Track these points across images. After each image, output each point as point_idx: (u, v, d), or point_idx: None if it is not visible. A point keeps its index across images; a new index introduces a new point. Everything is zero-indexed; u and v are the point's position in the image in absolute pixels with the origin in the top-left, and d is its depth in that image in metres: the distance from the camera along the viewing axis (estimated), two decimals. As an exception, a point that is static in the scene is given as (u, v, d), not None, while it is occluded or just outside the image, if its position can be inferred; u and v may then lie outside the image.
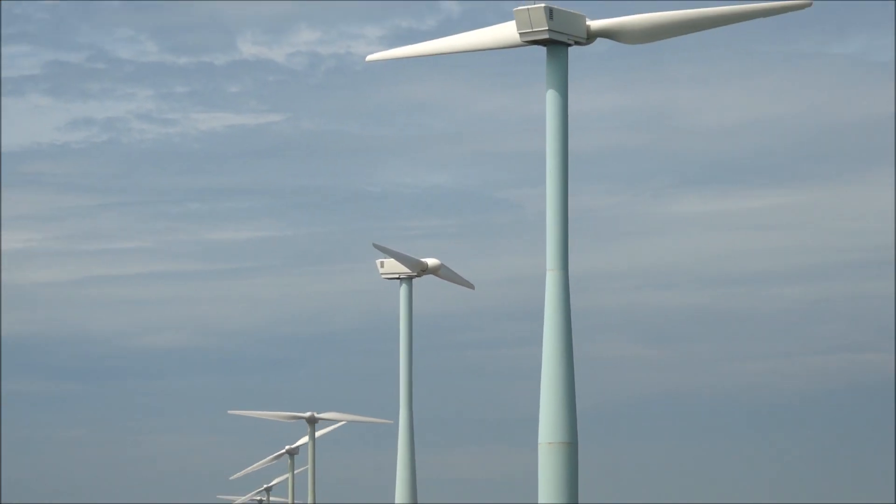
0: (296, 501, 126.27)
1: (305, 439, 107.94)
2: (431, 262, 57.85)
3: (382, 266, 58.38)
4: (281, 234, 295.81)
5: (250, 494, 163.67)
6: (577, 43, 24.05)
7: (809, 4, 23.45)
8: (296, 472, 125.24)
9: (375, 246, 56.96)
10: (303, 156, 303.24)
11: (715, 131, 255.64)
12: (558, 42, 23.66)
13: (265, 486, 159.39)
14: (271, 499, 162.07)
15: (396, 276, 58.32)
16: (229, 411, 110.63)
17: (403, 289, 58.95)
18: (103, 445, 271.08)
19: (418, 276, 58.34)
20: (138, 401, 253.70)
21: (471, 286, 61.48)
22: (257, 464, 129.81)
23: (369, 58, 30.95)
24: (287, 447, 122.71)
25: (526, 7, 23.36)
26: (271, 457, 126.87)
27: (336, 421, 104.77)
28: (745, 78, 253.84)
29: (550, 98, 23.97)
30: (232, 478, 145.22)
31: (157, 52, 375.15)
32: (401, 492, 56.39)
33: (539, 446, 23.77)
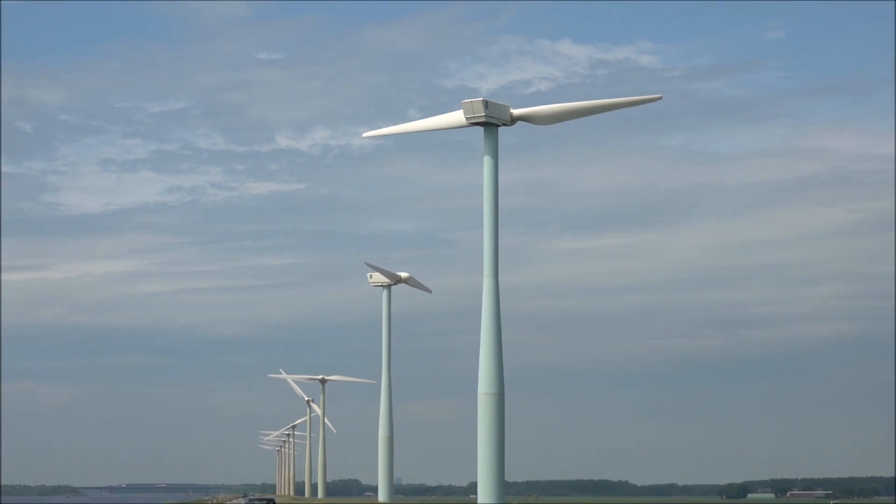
0: (312, 435, 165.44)
1: (319, 394, 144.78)
2: (403, 275, 75.29)
3: (371, 278, 77.15)
4: (304, 261, 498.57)
5: (283, 429, 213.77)
6: (503, 124, 33.20)
7: (660, 98, 33.15)
8: (311, 415, 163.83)
9: (367, 264, 75.81)
10: (318, 210, 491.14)
11: (587, 194, 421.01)
12: (491, 124, 32.86)
13: (291, 424, 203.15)
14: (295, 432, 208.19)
15: (381, 284, 76.35)
16: (269, 375, 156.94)
17: (385, 293, 77.41)
18: (187, 399, 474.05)
19: (395, 284, 76.22)
20: (210, 370, 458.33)
21: (429, 291, 79.69)
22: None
23: (365, 135, 40.69)
24: (307, 398, 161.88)
25: (470, 100, 32.64)
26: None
27: (339, 381, 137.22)
28: (608, 158, 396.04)
29: (486, 163, 33.02)
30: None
31: (223, 144, 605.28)
32: (382, 428, 72.89)
33: (478, 396, 32.91)
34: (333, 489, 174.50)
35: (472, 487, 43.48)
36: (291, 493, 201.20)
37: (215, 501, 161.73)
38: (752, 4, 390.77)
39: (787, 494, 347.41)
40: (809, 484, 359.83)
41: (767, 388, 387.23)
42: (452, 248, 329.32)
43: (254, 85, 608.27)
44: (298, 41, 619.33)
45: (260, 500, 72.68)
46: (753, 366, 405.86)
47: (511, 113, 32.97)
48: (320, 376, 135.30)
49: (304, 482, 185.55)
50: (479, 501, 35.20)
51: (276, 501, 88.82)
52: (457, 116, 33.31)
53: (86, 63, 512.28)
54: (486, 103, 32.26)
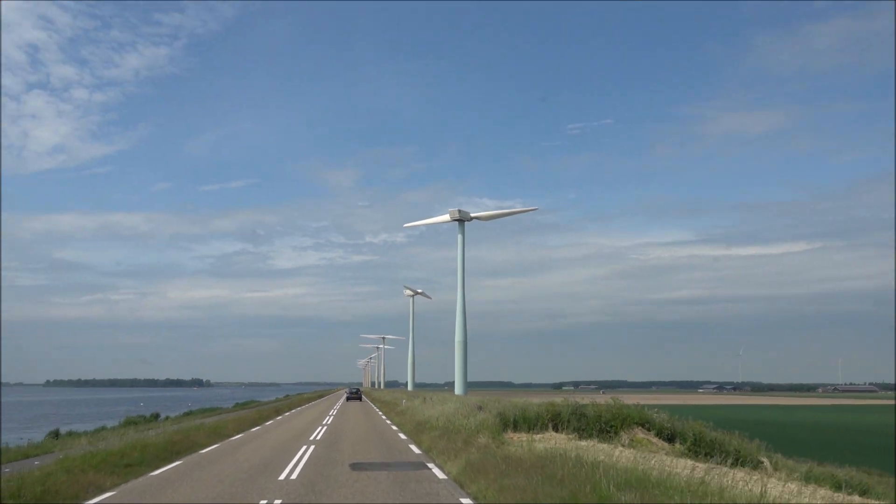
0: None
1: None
2: (419, 290, 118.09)
3: (406, 290, 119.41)
4: (375, 291, 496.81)
5: (367, 358, 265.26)
6: (467, 220, 70.44)
7: (536, 209, 69.62)
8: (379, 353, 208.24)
9: (405, 286, 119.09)
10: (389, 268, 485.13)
11: (491, 263, 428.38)
12: (461, 220, 70.33)
13: (370, 356, 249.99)
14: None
15: (410, 294, 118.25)
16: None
17: (411, 300, 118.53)
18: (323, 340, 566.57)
19: (416, 295, 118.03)
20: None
21: (430, 298, 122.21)
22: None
23: (406, 225, 78.37)
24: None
25: (454, 209, 69.70)
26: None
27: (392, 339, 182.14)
28: (505, 242, 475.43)
29: (459, 239, 70.02)
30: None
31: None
32: (410, 369, 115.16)
33: (455, 343, 69.77)
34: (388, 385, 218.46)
35: (450, 385, 72.19)
36: (369, 386, 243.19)
37: (333, 391, 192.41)
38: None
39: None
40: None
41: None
42: (443, 280, 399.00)
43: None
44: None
45: (354, 388, 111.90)
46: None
47: (469, 215, 70.71)
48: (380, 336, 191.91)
49: (374, 381, 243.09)
50: (455, 391, 71.53)
51: (361, 389, 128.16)
52: (446, 217, 70.62)
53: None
54: (459, 211, 70.02)
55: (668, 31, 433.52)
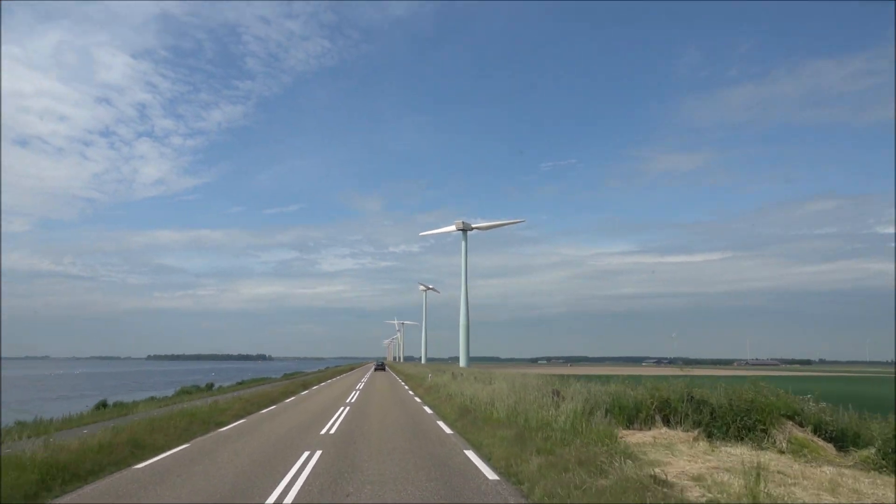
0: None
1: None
2: (430, 286, 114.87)
3: (420, 287, 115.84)
4: (396, 288, 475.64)
5: (390, 338, 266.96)
6: (469, 230, 67.92)
7: (524, 221, 66.95)
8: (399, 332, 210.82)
9: (420, 283, 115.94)
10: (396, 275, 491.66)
11: (484, 268, 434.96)
12: (465, 230, 67.96)
13: (392, 336, 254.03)
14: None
15: (423, 290, 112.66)
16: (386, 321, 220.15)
17: (424, 294, 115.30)
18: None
19: (428, 290, 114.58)
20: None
21: (438, 292, 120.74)
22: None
23: (421, 234, 75.36)
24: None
25: (459, 220, 67.23)
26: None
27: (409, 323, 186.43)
28: (499, 254, 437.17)
29: (462, 246, 67.34)
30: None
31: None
32: (423, 346, 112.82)
33: (460, 326, 66.94)
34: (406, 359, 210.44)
35: (454, 359, 68.55)
36: (391, 360, 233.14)
37: (364, 364, 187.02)
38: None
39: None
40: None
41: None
42: (447, 281, 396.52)
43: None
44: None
45: (379, 362, 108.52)
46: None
47: (471, 226, 68.16)
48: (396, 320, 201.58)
49: (395, 356, 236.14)
50: (460, 364, 68.56)
51: (385, 362, 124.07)
52: (453, 227, 68.01)
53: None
54: (463, 223, 67.48)
55: (620, 92, 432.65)
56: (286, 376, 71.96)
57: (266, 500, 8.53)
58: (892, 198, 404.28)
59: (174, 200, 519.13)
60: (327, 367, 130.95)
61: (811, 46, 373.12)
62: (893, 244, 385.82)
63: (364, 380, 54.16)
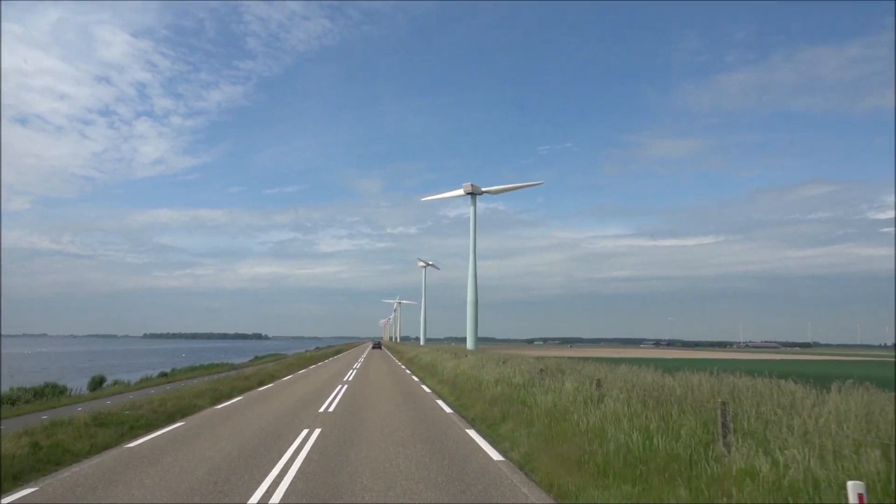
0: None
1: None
2: (430, 262, 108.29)
3: (419, 262, 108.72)
4: (393, 269, 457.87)
5: (387, 318, 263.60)
6: (479, 194, 60.09)
7: (542, 183, 58.85)
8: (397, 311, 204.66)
9: (419, 258, 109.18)
10: (393, 256, 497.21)
11: (481, 250, 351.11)
12: (474, 193, 59.96)
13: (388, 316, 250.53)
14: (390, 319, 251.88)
15: (423, 265, 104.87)
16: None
17: (424, 271, 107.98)
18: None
19: (427, 266, 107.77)
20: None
21: (439, 269, 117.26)
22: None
23: (423, 199, 67.34)
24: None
25: (467, 183, 59.26)
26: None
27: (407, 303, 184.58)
28: (495, 236, 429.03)
29: (471, 210, 59.87)
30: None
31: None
32: (422, 326, 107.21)
33: (467, 303, 59.50)
34: (402, 339, 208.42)
35: (451, 339, 60.91)
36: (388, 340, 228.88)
37: (361, 343, 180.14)
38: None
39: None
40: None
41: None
42: (443, 262, 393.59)
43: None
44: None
45: (376, 341, 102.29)
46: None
47: (480, 189, 60.26)
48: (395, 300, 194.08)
49: (391, 336, 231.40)
50: (467, 346, 60.50)
51: (382, 342, 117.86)
52: (461, 191, 60.29)
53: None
54: (472, 185, 59.51)
55: (616, 78, 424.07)
56: (256, 359, 57.06)
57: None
58: (882, 184, 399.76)
59: (174, 180, 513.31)
60: (317, 348, 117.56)
61: (809, 33, 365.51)
62: (891, 230, 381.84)
63: (363, 357, 46.78)
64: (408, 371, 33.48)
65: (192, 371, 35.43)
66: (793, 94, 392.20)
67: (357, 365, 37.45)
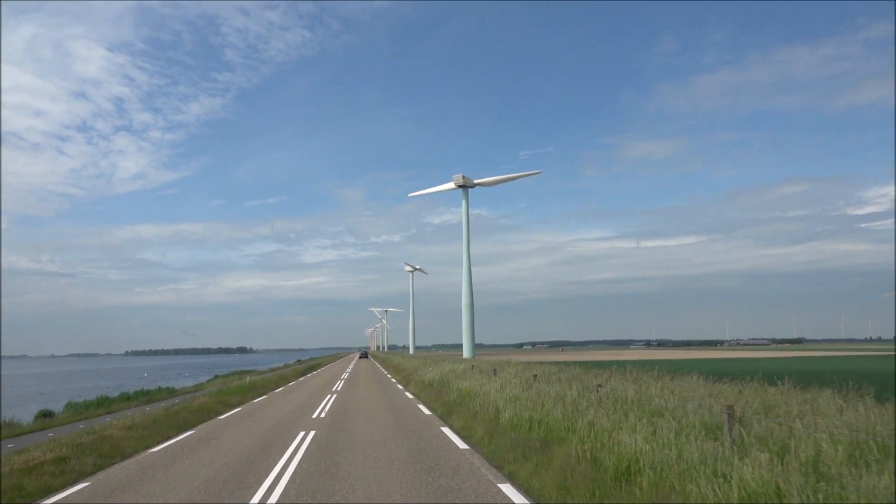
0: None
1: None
2: (417, 266, 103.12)
3: (406, 266, 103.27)
4: (378, 278, 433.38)
5: (373, 327, 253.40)
6: (471, 187, 54.09)
7: (540, 172, 52.67)
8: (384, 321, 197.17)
9: (405, 263, 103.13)
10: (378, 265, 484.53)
11: (458, 256, 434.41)
12: (465, 186, 53.93)
13: (374, 325, 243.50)
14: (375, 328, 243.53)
15: (410, 270, 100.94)
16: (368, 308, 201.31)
17: (411, 275, 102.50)
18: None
19: (415, 271, 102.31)
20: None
21: (426, 273, 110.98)
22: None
23: (411, 195, 60.11)
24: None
25: (458, 175, 53.16)
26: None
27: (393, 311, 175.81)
28: (480, 241, 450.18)
29: (463, 204, 53.71)
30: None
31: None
32: (411, 334, 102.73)
33: (462, 306, 53.34)
34: (390, 348, 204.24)
35: (439, 347, 54.28)
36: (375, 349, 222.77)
37: (348, 354, 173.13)
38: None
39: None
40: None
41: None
42: (433, 268, 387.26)
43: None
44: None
45: (363, 351, 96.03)
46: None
47: (472, 181, 54.28)
48: (382, 308, 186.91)
49: (379, 346, 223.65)
50: (463, 354, 53.95)
51: (369, 352, 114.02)
52: (451, 184, 54.27)
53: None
54: (463, 177, 53.39)
55: (595, 81, 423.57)
56: (216, 378, 48.79)
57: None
58: (858, 180, 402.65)
59: (154, 194, 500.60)
60: (298, 361, 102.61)
61: (784, 33, 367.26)
62: (870, 225, 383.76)
63: (350, 367, 38.84)
64: (420, 406, 18.39)
65: (126, 402, 27.98)
66: (769, 93, 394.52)
67: (338, 387, 29.46)
